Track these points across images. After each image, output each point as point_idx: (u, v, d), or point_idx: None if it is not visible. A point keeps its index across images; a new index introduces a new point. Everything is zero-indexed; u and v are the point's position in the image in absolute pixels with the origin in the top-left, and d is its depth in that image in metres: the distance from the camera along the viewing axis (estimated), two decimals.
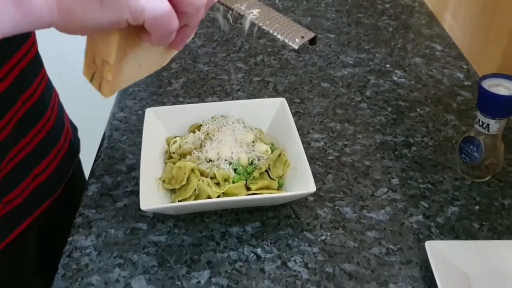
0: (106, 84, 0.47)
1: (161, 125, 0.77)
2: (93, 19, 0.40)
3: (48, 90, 0.75)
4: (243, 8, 0.54)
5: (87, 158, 0.89)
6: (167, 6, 0.41)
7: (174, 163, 0.69)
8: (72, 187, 0.83)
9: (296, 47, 0.54)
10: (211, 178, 0.67)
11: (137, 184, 0.68)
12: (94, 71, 0.47)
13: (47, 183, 0.74)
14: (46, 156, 0.73)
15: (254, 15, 0.54)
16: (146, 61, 0.50)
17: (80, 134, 0.88)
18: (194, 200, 0.66)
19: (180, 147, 0.73)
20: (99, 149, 0.81)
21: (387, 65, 1.02)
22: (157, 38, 0.43)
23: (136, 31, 0.43)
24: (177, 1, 0.41)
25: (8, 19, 0.38)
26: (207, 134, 0.73)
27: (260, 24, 0.54)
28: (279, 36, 0.54)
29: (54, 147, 0.75)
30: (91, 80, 0.48)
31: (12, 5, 0.37)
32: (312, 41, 0.55)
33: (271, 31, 0.54)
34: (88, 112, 1.35)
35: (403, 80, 0.98)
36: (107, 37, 0.44)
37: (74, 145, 0.83)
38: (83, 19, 0.40)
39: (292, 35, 0.54)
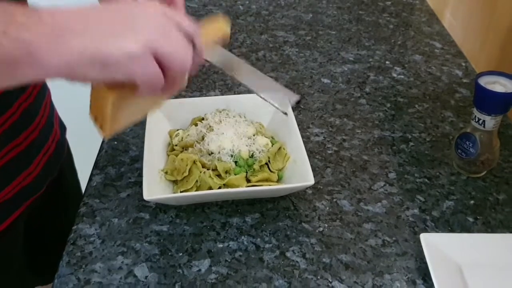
0: (105, 130, 0.54)
1: (164, 118, 0.78)
2: (93, 77, 0.47)
3: (43, 89, 0.76)
4: (235, 73, 0.62)
5: (86, 151, 0.90)
6: (156, 70, 0.48)
7: (177, 155, 0.71)
8: (59, 185, 0.83)
9: (287, 112, 0.63)
10: (213, 170, 0.69)
11: (140, 175, 0.69)
12: (96, 115, 0.54)
13: (33, 183, 0.74)
14: (35, 157, 0.74)
15: (245, 79, 0.63)
16: (138, 109, 0.58)
17: (78, 129, 0.88)
18: (195, 191, 0.68)
19: (182, 140, 0.75)
20: (103, 141, 0.82)
21: (387, 62, 1.04)
22: (146, 93, 0.50)
23: (129, 86, 0.49)
24: (166, 66, 0.48)
25: (27, 77, 0.45)
26: (209, 127, 0.75)
27: (252, 88, 0.62)
28: (270, 101, 0.62)
29: (43, 148, 0.76)
30: (94, 121, 0.55)
31: (30, 66, 0.44)
32: (298, 102, 0.64)
33: (262, 96, 0.62)
34: (84, 108, 1.35)
35: (402, 76, 0.99)
36: (104, 94, 0.51)
37: (60, 146, 0.83)
38: (85, 77, 0.47)
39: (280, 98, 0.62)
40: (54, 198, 0.82)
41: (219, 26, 0.59)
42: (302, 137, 0.73)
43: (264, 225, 0.68)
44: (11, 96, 0.67)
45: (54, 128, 0.81)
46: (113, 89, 0.51)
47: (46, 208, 0.81)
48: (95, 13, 0.47)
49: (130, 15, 0.48)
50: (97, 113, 0.54)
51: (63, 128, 0.86)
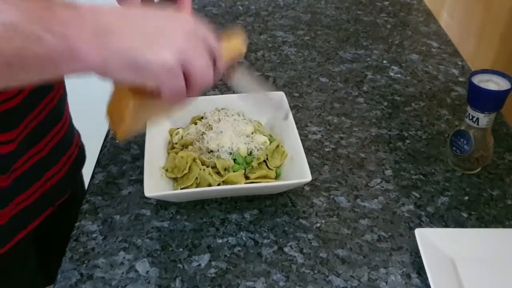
0: (121, 133, 0.57)
1: None
2: (125, 78, 0.49)
3: (65, 95, 0.78)
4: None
5: (88, 150, 0.91)
6: (183, 83, 0.49)
7: (177, 153, 0.73)
8: (75, 192, 0.85)
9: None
10: (212, 167, 0.70)
11: (141, 173, 0.71)
12: (112, 116, 0.57)
13: (56, 188, 0.76)
14: (59, 161, 0.76)
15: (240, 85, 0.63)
16: (152, 114, 0.60)
17: (80, 128, 0.89)
18: (195, 188, 0.69)
19: (182, 138, 0.76)
20: (104, 139, 0.84)
21: (384, 61, 1.05)
22: (167, 101, 0.52)
23: (150, 93, 0.51)
24: (191, 81, 0.50)
25: (64, 71, 0.48)
26: (208, 125, 0.76)
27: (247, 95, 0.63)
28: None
29: (66, 152, 0.78)
30: (110, 122, 0.58)
31: (69, 61, 0.46)
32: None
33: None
34: (87, 107, 1.35)
35: (399, 75, 1.01)
36: (125, 96, 0.53)
37: (82, 151, 0.85)
38: (117, 77, 0.49)
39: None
40: (69, 209, 0.83)
41: (236, 44, 0.60)
42: (300, 135, 0.75)
43: (263, 221, 0.69)
44: (35, 98, 0.68)
45: (76, 134, 0.82)
46: (135, 92, 0.52)
47: (61, 221, 0.82)
48: (133, 17, 0.49)
49: (166, 24, 0.49)
50: (114, 115, 0.56)
51: (78, 133, 0.87)
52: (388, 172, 0.78)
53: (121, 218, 0.70)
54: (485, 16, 1.00)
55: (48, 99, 0.71)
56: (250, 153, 0.73)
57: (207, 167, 0.70)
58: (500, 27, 0.93)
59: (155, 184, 0.69)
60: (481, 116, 0.71)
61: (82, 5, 0.46)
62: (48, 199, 0.75)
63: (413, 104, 0.93)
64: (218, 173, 0.70)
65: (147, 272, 0.63)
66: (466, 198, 0.74)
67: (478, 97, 0.71)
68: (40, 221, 0.75)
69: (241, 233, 0.68)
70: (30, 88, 0.66)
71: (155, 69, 0.47)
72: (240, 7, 1.27)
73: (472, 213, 0.71)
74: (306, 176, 0.67)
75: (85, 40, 0.45)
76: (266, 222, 0.69)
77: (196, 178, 0.69)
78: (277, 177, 0.73)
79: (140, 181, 0.72)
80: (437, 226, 0.69)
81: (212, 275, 0.62)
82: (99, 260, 0.64)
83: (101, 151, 0.82)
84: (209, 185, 0.69)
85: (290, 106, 0.79)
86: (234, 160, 0.71)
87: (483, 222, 0.70)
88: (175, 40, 0.48)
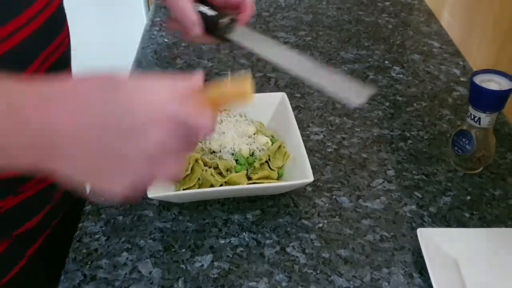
0: None
1: None
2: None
3: None
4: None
5: None
6: (143, 187, 0.43)
7: None
8: (76, 205, 0.85)
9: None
10: (214, 168, 0.71)
11: None
12: None
13: (57, 205, 0.76)
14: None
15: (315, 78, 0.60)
16: None
17: None
18: (197, 188, 0.69)
19: None
20: None
21: (386, 62, 1.05)
22: None
23: None
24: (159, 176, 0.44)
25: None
26: None
27: (322, 85, 0.59)
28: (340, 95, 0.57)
29: None
30: None
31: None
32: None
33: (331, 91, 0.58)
34: None
35: (401, 76, 1.01)
36: None
37: None
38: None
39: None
40: (72, 221, 0.83)
41: (242, 89, 0.54)
42: (302, 135, 0.75)
43: (265, 221, 0.70)
44: None
45: None
46: None
47: (68, 224, 0.82)
48: (89, 124, 0.39)
49: (125, 135, 0.39)
50: None
51: None
52: (390, 172, 0.78)
53: (124, 219, 0.70)
54: (487, 15, 1.00)
55: None
56: (252, 154, 0.73)
57: (209, 167, 0.71)
58: (502, 27, 0.93)
59: (158, 185, 0.69)
60: (482, 116, 0.72)
61: (30, 102, 0.39)
62: (49, 219, 0.75)
63: (414, 104, 0.93)
64: (220, 173, 0.70)
65: (150, 272, 0.63)
66: (468, 198, 0.74)
67: (480, 97, 0.71)
68: (41, 241, 0.75)
69: (244, 233, 0.68)
70: None
71: (107, 195, 0.42)
72: None
73: (474, 213, 0.71)
74: (308, 176, 0.67)
75: (30, 157, 0.40)
76: (269, 223, 0.69)
77: (199, 179, 0.69)
78: (279, 177, 0.73)
79: None
80: (439, 226, 0.69)
81: (215, 276, 0.63)
82: (102, 261, 0.64)
83: None
84: (211, 185, 0.69)
85: (292, 107, 0.79)
86: (236, 160, 0.71)
87: (485, 222, 0.70)
88: (132, 167, 0.40)
